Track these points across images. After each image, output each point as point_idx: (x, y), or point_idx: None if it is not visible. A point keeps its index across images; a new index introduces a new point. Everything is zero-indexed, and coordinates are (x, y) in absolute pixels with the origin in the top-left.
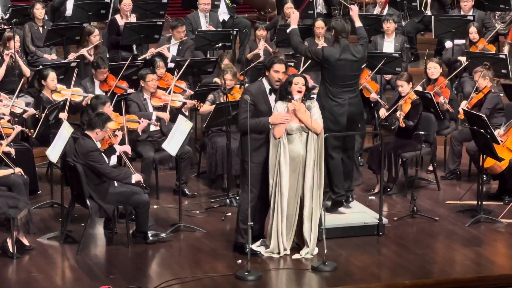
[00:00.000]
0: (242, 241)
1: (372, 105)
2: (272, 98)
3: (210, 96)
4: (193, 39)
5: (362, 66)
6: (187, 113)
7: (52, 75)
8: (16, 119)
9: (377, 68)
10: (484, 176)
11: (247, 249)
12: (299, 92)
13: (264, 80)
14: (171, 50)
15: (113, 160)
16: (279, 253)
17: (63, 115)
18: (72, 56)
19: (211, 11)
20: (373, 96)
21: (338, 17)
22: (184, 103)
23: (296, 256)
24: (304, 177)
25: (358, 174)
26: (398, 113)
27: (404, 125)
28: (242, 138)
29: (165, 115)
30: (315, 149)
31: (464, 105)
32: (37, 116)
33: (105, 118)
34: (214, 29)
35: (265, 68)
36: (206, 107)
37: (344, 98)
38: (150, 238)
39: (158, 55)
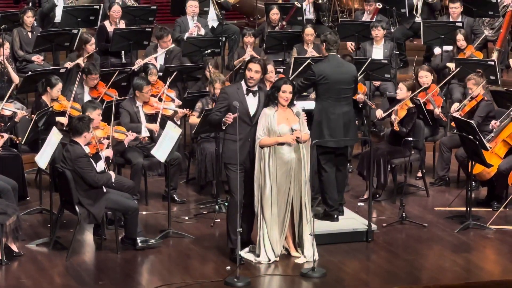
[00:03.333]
0: (230, 246)
1: (360, 106)
2: (249, 98)
3: (198, 105)
4: (181, 46)
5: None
6: (178, 122)
7: (59, 86)
8: (2, 124)
9: (361, 70)
10: (473, 182)
11: (236, 255)
12: (286, 100)
13: (243, 82)
14: (158, 59)
15: (100, 166)
16: (269, 260)
17: (63, 120)
18: (69, 65)
19: (200, 17)
20: (360, 96)
21: (328, 30)
22: (176, 112)
23: (299, 260)
24: (300, 189)
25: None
26: (393, 117)
27: (398, 129)
28: (223, 141)
29: (155, 127)
30: (307, 159)
31: (455, 107)
32: (27, 117)
33: (87, 120)
34: (201, 27)
35: (243, 69)
36: (195, 119)
37: (339, 113)
38: (139, 244)
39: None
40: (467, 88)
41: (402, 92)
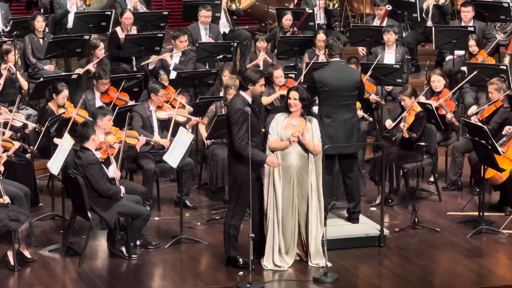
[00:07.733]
0: (234, 254)
1: (374, 106)
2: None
3: (211, 108)
4: (194, 51)
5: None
6: (189, 130)
7: (65, 93)
8: (18, 134)
9: (369, 72)
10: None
11: (250, 259)
12: (292, 106)
13: (244, 94)
14: (173, 58)
15: (111, 171)
16: (279, 266)
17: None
18: (79, 71)
19: (212, 23)
20: (373, 96)
21: (339, 35)
22: (189, 119)
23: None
24: (304, 196)
25: (363, 184)
26: (401, 124)
27: (407, 136)
28: (236, 156)
29: (166, 143)
30: (317, 171)
31: (473, 110)
32: (37, 130)
33: (91, 123)
34: (213, 41)
35: (249, 82)
36: (203, 132)
37: (340, 120)
38: (137, 243)
39: (161, 66)
40: (488, 92)
41: (405, 102)
